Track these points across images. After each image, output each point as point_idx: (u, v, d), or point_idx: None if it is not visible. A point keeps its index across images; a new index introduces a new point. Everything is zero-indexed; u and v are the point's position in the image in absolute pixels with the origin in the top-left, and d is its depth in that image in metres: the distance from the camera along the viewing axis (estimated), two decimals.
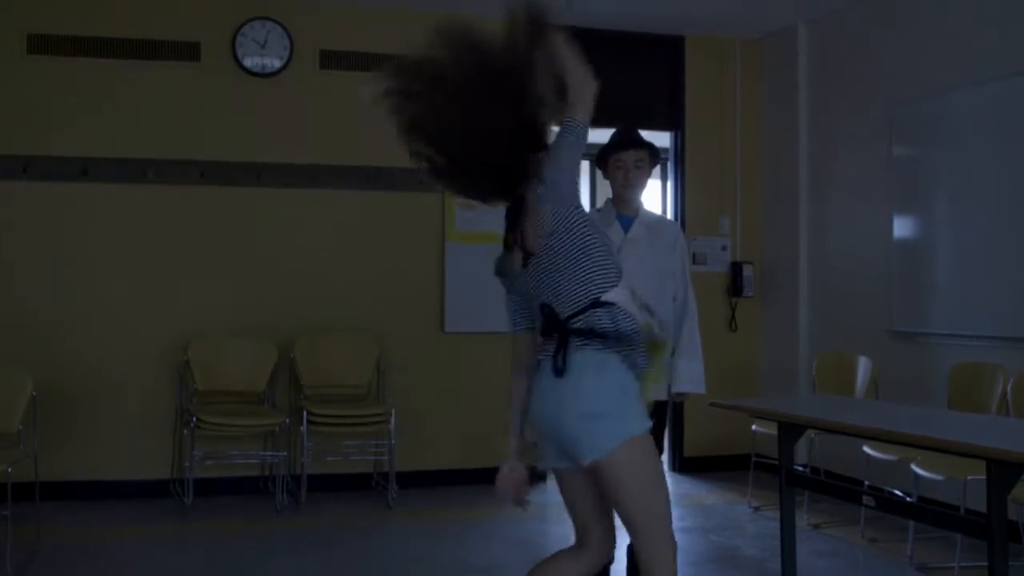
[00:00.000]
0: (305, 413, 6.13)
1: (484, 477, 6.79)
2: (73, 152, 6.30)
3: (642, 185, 4.21)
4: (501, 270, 2.90)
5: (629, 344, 2.67)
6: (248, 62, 6.57)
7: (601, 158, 4.30)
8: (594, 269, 2.70)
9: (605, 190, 4.57)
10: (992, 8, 5.54)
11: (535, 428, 2.88)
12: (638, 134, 4.27)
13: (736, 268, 7.53)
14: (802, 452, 6.13)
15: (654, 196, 10.65)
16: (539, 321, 2.81)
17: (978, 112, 5.60)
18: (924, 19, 6.04)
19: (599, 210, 4.31)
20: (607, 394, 2.66)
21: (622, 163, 4.16)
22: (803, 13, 6.93)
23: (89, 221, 6.32)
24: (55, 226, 6.29)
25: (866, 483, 5.31)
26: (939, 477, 4.66)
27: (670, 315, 4.06)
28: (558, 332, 2.70)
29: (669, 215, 7.78)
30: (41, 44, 6.27)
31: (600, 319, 2.66)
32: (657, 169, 10.54)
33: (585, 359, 2.65)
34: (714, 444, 7.21)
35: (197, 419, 5.94)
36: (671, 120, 7.56)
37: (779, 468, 4.18)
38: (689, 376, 4.09)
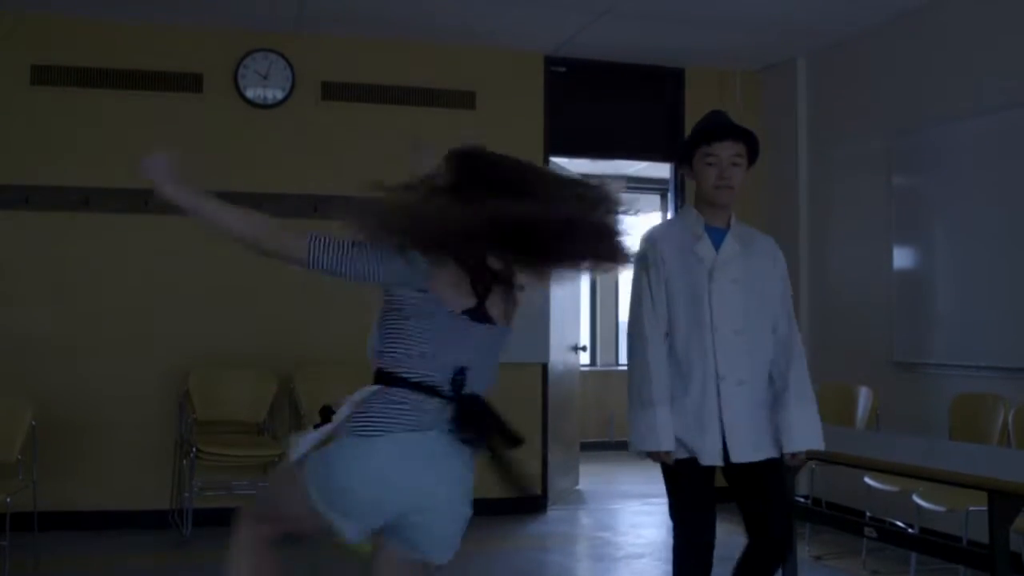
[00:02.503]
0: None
1: (484, 508, 6.81)
2: (75, 182, 6.32)
3: (738, 187, 3.46)
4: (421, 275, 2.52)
5: None
6: (250, 93, 6.60)
7: (686, 153, 3.50)
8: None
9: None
10: (991, 39, 5.58)
11: (379, 488, 2.52)
12: (733, 121, 3.54)
13: None
14: (803, 483, 6.11)
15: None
16: (434, 373, 2.53)
17: (978, 142, 5.62)
18: (923, 50, 6.08)
19: (678, 218, 3.65)
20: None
21: (714, 159, 3.40)
22: (802, 46, 6.97)
23: (90, 251, 6.33)
24: (56, 255, 6.30)
25: (868, 514, 5.29)
26: (941, 508, 4.64)
27: (767, 354, 3.39)
28: (460, 403, 2.55)
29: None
30: (45, 75, 6.31)
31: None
32: (657, 200, 10.67)
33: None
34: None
35: (197, 449, 5.92)
36: (671, 151, 7.58)
37: None
38: (805, 430, 3.33)
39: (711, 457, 3.31)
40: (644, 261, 3.43)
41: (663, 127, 7.57)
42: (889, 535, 4.57)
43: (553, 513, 7.04)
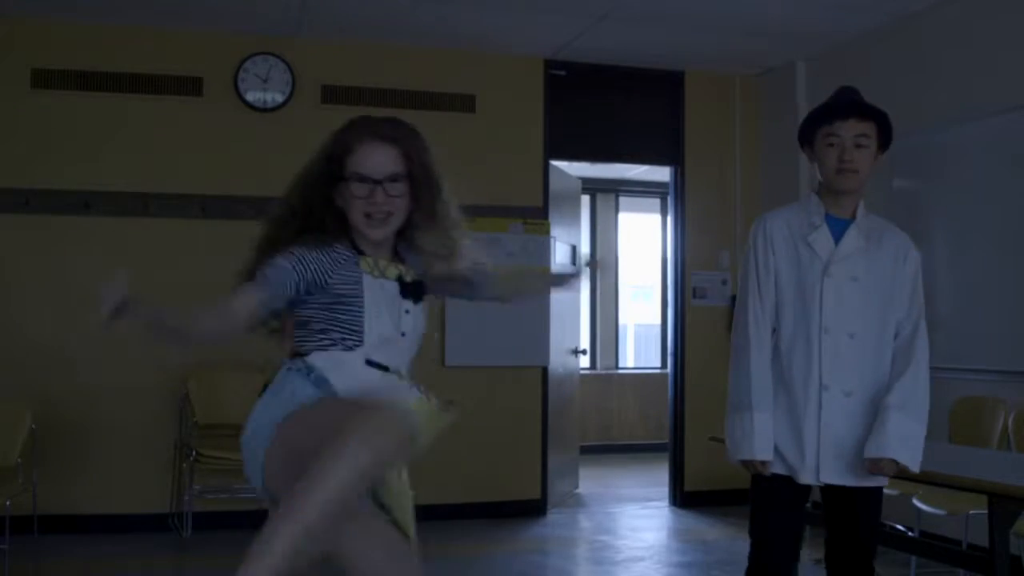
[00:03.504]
0: None
1: (484, 512, 6.83)
2: (75, 186, 6.32)
3: (865, 173, 3.06)
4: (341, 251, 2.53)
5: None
6: (250, 97, 6.61)
7: (806, 132, 3.15)
8: None
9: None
10: (991, 43, 5.58)
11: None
12: (862, 98, 3.17)
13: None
14: None
15: (654, 231, 10.72)
16: (371, 341, 2.52)
17: (978, 146, 5.62)
18: (922, 55, 6.08)
19: (798, 205, 3.20)
20: None
21: (836, 139, 3.04)
22: (802, 50, 6.98)
23: (90, 254, 6.33)
24: (56, 258, 6.30)
25: None
26: (941, 512, 4.64)
27: (885, 365, 3.03)
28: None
29: (669, 250, 7.77)
30: (45, 79, 6.31)
31: None
32: (657, 204, 10.68)
33: None
34: (715, 479, 7.18)
35: (196, 453, 5.92)
36: (671, 155, 7.59)
37: None
38: (895, 438, 2.91)
39: (808, 475, 3.00)
40: (754, 248, 3.16)
41: (663, 131, 7.58)
42: (889, 538, 4.57)
43: (553, 516, 7.03)
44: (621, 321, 10.93)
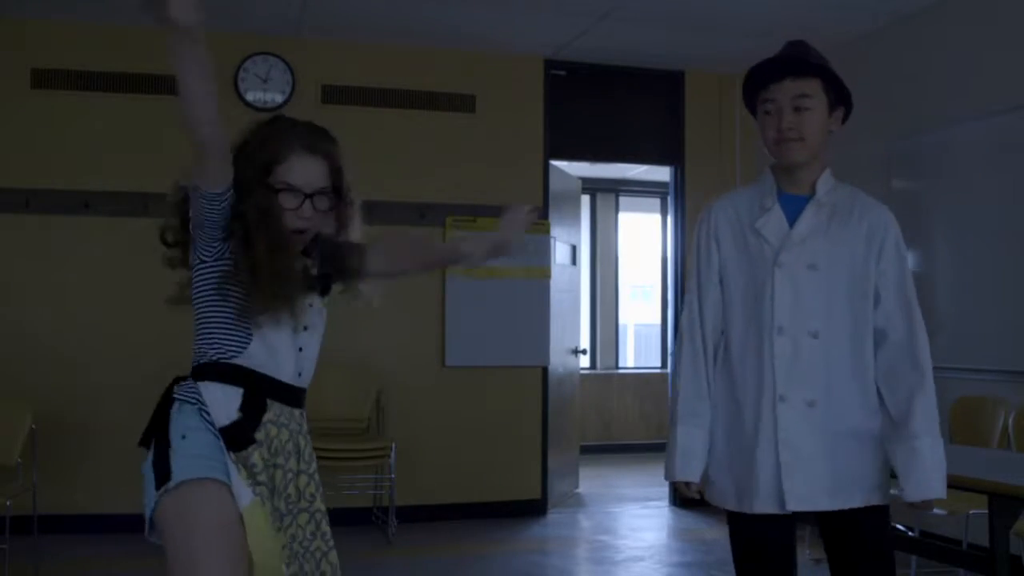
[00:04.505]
0: None
1: (484, 511, 6.83)
2: (75, 186, 6.32)
3: (814, 139, 2.62)
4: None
5: None
6: (250, 96, 6.61)
7: (748, 101, 2.77)
8: None
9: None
10: (992, 42, 5.58)
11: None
12: (802, 51, 2.71)
13: None
14: None
15: (654, 231, 10.72)
16: (273, 360, 2.38)
17: (978, 146, 5.62)
18: (922, 55, 6.08)
19: (753, 184, 2.78)
20: None
21: (772, 104, 2.64)
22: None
23: (91, 254, 6.33)
24: (57, 258, 6.30)
25: None
26: (941, 512, 4.64)
27: (859, 367, 2.59)
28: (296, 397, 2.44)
29: (669, 250, 7.76)
30: (45, 79, 6.31)
31: None
32: (657, 203, 10.68)
33: None
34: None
35: None
36: (671, 154, 7.59)
37: None
38: (932, 473, 2.53)
39: (764, 502, 2.57)
40: (696, 240, 2.77)
41: (663, 130, 7.58)
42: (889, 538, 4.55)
43: (553, 516, 7.04)
44: (621, 321, 10.94)
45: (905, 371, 2.56)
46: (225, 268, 2.33)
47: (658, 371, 10.50)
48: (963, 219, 5.72)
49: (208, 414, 2.29)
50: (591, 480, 8.31)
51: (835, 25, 6.37)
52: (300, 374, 2.46)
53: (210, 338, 2.38)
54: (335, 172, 2.50)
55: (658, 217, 10.55)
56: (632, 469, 9.19)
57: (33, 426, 5.27)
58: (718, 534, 6.44)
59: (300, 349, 2.45)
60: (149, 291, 6.86)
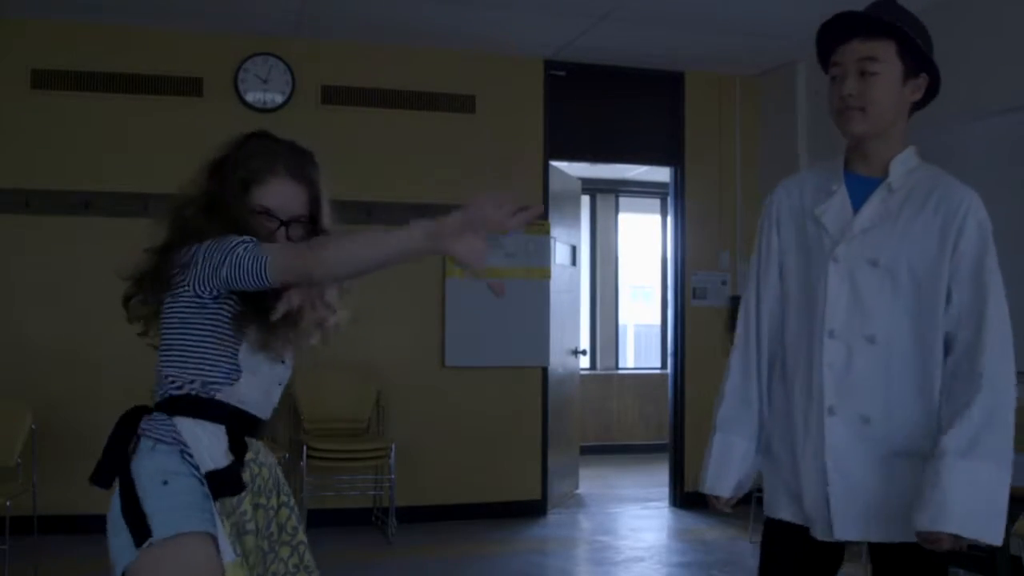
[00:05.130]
0: (305, 448, 6.10)
1: (484, 512, 6.83)
2: (75, 186, 6.32)
3: (883, 109, 2.26)
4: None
5: None
6: (250, 97, 6.61)
7: (823, 63, 2.38)
8: None
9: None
10: (993, 43, 5.58)
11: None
12: (880, 9, 2.29)
13: (736, 303, 7.51)
14: None
15: (654, 232, 10.72)
16: (254, 405, 2.24)
17: (979, 146, 5.62)
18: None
19: (824, 165, 2.43)
20: None
21: (837, 69, 2.30)
22: (802, 50, 6.97)
23: (91, 254, 6.33)
24: (57, 259, 6.30)
25: None
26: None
27: (925, 379, 2.22)
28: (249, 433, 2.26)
29: (669, 250, 7.76)
30: (45, 79, 6.31)
31: None
32: (657, 204, 10.67)
33: None
34: None
35: None
36: (671, 155, 7.59)
37: None
38: (967, 502, 2.08)
39: (818, 527, 2.29)
40: (759, 227, 2.49)
41: (663, 131, 7.57)
42: None
43: (553, 517, 7.03)
44: (621, 321, 10.93)
45: (962, 382, 2.16)
46: (232, 304, 2.17)
47: (658, 372, 10.50)
48: None
49: (191, 456, 2.10)
50: (591, 481, 8.31)
51: None
52: (273, 408, 2.32)
53: (192, 368, 2.18)
54: (314, 201, 2.36)
55: (658, 218, 10.54)
56: (632, 470, 9.19)
57: (33, 426, 5.27)
58: (718, 534, 6.44)
59: (279, 383, 2.31)
60: None
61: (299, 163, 2.36)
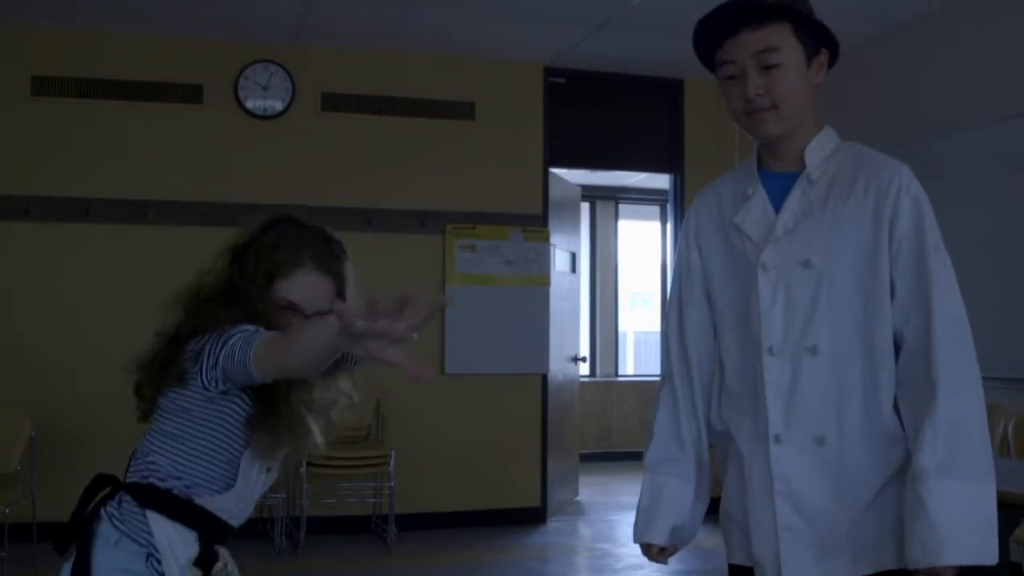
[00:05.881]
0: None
1: (484, 519, 6.82)
2: (75, 193, 6.32)
3: (793, 104, 1.99)
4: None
5: None
6: (250, 104, 6.61)
7: (706, 62, 2.18)
8: None
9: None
10: (990, 51, 5.59)
11: None
12: None
13: None
14: None
15: (653, 239, 10.72)
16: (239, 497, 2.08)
17: (976, 154, 5.63)
18: (921, 62, 6.09)
19: (740, 169, 2.19)
20: None
21: (732, 67, 2.03)
22: None
23: (90, 261, 6.34)
24: (56, 266, 6.30)
25: None
26: None
27: (880, 390, 1.93)
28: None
29: (668, 257, 7.75)
30: (45, 86, 6.32)
31: None
32: (656, 211, 10.68)
33: None
34: (714, 486, 7.17)
35: None
36: (670, 162, 7.60)
37: None
38: (962, 524, 1.88)
39: (767, 568, 2.00)
40: (677, 249, 2.26)
41: (662, 138, 7.58)
42: None
43: (552, 524, 7.03)
44: (621, 328, 10.93)
45: (917, 388, 1.90)
46: (242, 404, 2.02)
47: (658, 379, 10.46)
48: (961, 225, 5.69)
49: (158, 563, 1.94)
50: (591, 488, 8.30)
51: (835, 32, 6.38)
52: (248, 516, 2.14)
53: (184, 465, 2.03)
54: (340, 294, 2.19)
55: (657, 224, 10.55)
56: (632, 477, 9.17)
57: (32, 434, 5.26)
58: (716, 542, 6.43)
59: (261, 492, 2.16)
60: (149, 298, 6.84)
61: (327, 255, 2.18)
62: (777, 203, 2.03)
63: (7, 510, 4.90)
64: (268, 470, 2.12)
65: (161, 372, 2.13)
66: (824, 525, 1.96)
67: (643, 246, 11.25)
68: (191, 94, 6.51)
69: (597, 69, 7.24)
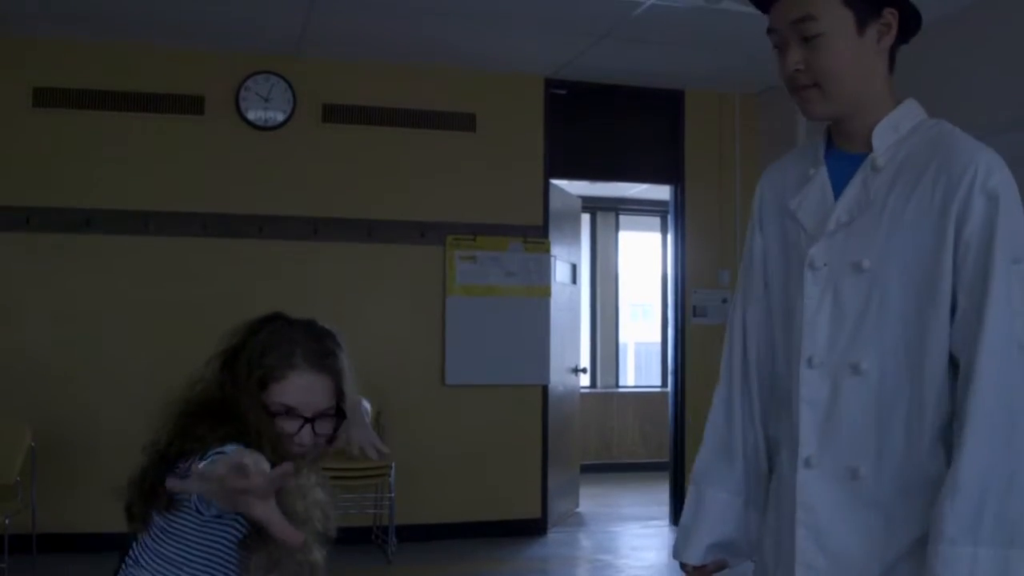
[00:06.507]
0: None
1: (484, 531, 6.81)
2: (76, 203, 6.33)
3: (837, 80, 1.74)
4: None
5: None
6: (251, 115, 6.62)
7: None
8: None
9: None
10: (992, 62, 5.59)
11: None
12: None
13: None
14: None
15: (654, 250, 10.72)
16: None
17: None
18: (922, 71, 6.08)
19: (804, 148, 1.94)
20: None
21: (775, 33, 1.78)
22: None
23: (91, 272, 6.34)
24: (57, 276, 6.30)
25: None
26: None
27: (933, 417, 1.64)
28: None
29: (669, 268, 7.76)
30: (47, 97, 6.33)
31: None
32: (657, 222, 10.67)
33: None
34: None
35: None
36: (671, 173, 7.60)
37: None
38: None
39: None
40: (748, 229, 2.04)
41: (663, 149, 7.59)
42: None
43: (553, 535, 7.01)
44: (621, 339, 10.92)
45: (959, 424, 1.60)
46: (238, 526, 1.92)
47: (658, 390, 10.48)
48: None
49: None
50: (591, 499, 8.28)
51: None
52: None
53: None
54: (339, 392, 2.08)
55: (658, 236, 10.54)
56: (633, 488, 9.16)
57: (32, 444, 5.26)
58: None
59: None
60: (149, 309, 6.89)
61: (320, 352, 2.05)
62: (840, 190, 1.76)
63: (7, 521, 4.89)
64: None
65: (151, 495, 2.02)
66: (849, 569, 1.69)
67: (644, 257, 11.25)
68: (192, 105, 6.52)
69: (598, 80, 7.25)
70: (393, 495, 6.26)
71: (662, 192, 8.25)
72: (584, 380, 9.16)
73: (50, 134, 6.33)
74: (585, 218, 9.72)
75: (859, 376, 1.68)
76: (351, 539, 6.53)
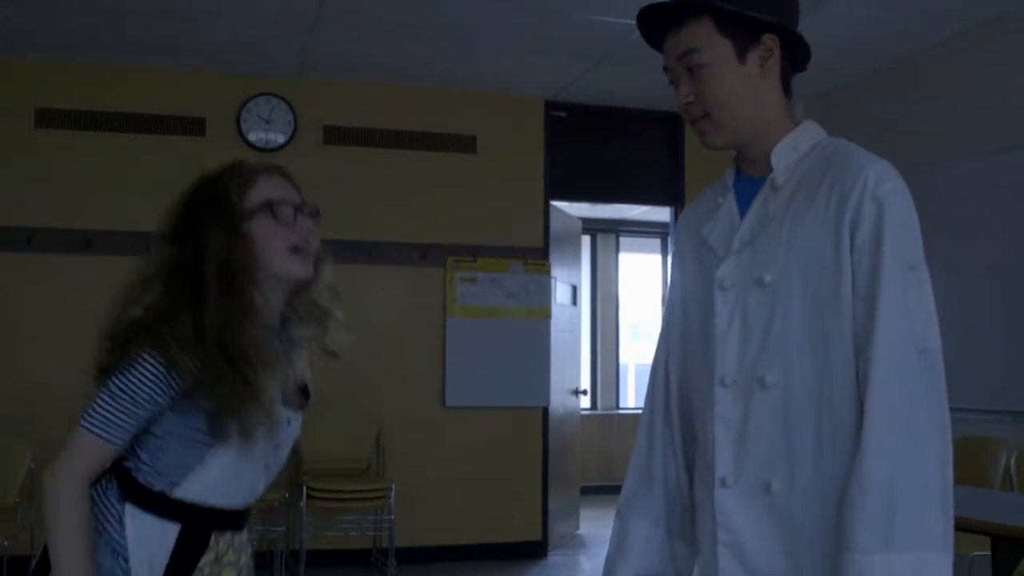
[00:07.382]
0: (304, 488, 6.07)
1: (484, 553, 6.78)
2: (78, 224, 6.34)
3: (725, 109, 1.76)
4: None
5: None
6: (253, 137, 6.64)
7: None
8: None
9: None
10: (989, 82, 5.62)
11: None
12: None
13: None
14: None
15: (654, 271, 10.74)
16: (238, 487, 1.93)
17: (975, 185, 5.64)
18: (920, 93, 6.12)
19: (718, 181, 1.96)
20: None
21: (668, 71, 1.92)
22: (800, 90, 7.00)
23: (92, 293, 6.32)
24: (59, 297, 6.30)
25: None
26: None
27: (843, 433, 1.63)
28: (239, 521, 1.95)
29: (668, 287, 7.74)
30: (49, 118, 6.35)
31: None
32: (657, 244, 10.69)
33: None
34: None
35: None
36: (671, 195, 7.61)
37: None
38: None
39: None
40: (671, 262, 2.10)
41: (663, 171, 7.60)
42: None
43: (554, 558, 6.99)
44: (622, 361, 10.91)
45: (861, 429, 1.60)
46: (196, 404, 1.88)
47: None
48: (961, 257, 5.72)
49: (125, 561, 1.80)
50: (592, 521, 8.25)
51: (833, 66, 6.42)
52: (257, 494, 1.98)
53: (151, 457, 1.95)
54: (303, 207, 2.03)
55: (658, 257, 10.57)
56: None
57: (32, 466, 5.25)
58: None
59: (266, 466, 1.96)
60: None
61: (280, 169, 2.05)
62: (741, 205, 1.80)
63: (6, 543, 4.88)
64: (278, 447, 1.96)
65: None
66: None
67: (644, 279, 11.26)
68: (194, 127, 6.55)
69: (598, 103, 7.28)
70: (393, 517, 6.24)
71: (662, 214, 8.27)
72: (584, 402, 9.16)
73: (52, 155, 6.35)
74: (585, 240, 9.73)
75: (766, 390, 1.68)
76: (351, 561, 6.54)
